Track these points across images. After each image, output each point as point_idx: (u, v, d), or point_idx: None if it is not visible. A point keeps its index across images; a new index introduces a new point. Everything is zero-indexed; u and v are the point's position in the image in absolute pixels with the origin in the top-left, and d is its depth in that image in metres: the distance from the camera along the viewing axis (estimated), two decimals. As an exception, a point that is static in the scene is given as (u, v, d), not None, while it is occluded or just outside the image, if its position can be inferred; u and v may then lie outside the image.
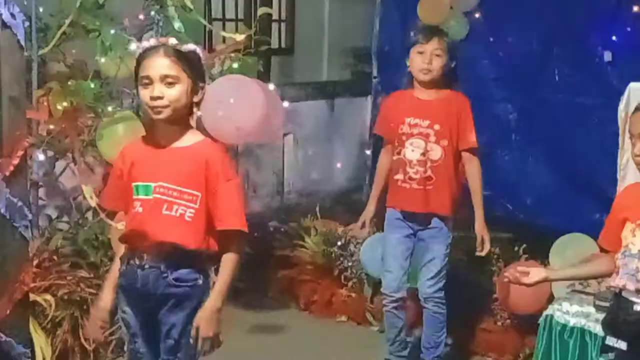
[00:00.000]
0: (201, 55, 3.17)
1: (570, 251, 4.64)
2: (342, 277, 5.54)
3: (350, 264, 5.52)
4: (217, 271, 3.11)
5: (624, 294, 3.10)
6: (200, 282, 3.15)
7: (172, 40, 3.12)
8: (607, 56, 5.62)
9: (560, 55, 5.83)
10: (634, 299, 3.07)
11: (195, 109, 3.14)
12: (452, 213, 4.49)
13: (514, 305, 4.82)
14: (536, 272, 3.36)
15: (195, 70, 3.10)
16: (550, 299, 4.53)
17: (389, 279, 4.55)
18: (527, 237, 5.39)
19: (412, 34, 4.54)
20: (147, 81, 3.04)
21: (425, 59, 4.35)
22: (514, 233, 5.52)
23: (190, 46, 3.13)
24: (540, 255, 5.04)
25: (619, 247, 3.15)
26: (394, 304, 4.55)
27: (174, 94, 3.03)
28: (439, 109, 4.39)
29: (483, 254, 4.56)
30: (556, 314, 4.15)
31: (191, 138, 3.14)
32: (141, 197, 3.12)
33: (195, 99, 3.11)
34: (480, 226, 4.51)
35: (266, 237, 6.03)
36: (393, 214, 4.55)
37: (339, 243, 5.63)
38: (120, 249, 3.28)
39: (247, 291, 5.49)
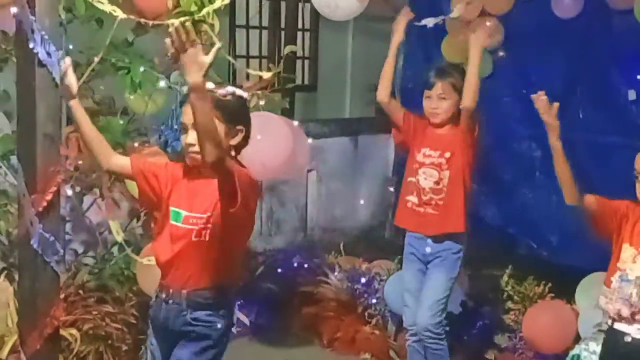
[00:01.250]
0: (243, 95, 3.18)
1: (597, 290, 4.61)
2: (366, 314, 5.52)
3: (374, 300, 5.50)
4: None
5: (615, 325, 3.13)
6: (219, 326, 3.18)
7: (209, 85, 3.10)
8: (632, 95, 5.61)
9: (584, 93, 5.82)
10: (624, 329, 3.09)
11: (234, 152, 3.13)
12: (465, 229, 4.51)
13: (540, 344, 4.79)
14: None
15: (230, 114, 3.10)
16: (577, 338, 4.51)
17: (408, 314, 4.59)
18: (552, 275, 5.37)
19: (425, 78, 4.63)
20: (184, 127, 3.12)
21: (432, 103, 4.48)
22: (539, 272, 5.50)
23: (229, 89, 3.15)
24: (566, 294, 5.02)
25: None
26: (415, 338, 4.55)
27: None
28: (450, 138, 4.50)
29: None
30: (583, 353, 4.13)
31: None
32: (173, 222, 3.18)
33: (232, 142, 3.13)
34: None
35: (290, 274, 6.03)
36: (408, 248, 4.62)
37: (362, 280, 5.63)
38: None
39: (270, 328, 5.49)
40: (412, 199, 4.56)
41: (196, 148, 3.04)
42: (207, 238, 3.12)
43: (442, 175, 4.48)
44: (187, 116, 3.08)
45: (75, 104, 3.04)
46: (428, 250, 4.50)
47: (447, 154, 4.48)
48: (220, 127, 3.06)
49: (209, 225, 3.12)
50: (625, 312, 3.13)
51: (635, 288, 3.12)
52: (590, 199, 3.40)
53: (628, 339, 3.15)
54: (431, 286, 4.48)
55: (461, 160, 4.47)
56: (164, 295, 3.21)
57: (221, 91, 3.12)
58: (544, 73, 5.98)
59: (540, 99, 3.43)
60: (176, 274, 3.17)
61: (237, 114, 3.14)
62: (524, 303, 5.18)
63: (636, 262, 3.16)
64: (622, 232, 3.29)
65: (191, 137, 3.07)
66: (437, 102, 4.48)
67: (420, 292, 4.53)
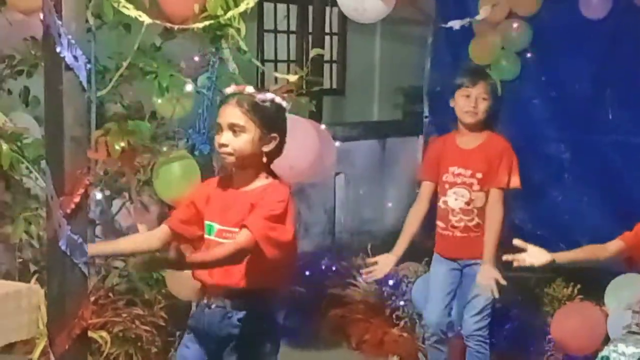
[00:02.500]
0: (283, 104, 3.20)
1: (626, 292, 4.60)
2: (394, 317, 5.52)
3: (402, 303, 5.51)
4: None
5: None
6: (265, 326, 3.18)
7: (249, 89, 3.15)
8: (660, 96, 5.60)
9: (613, 94, 5.80)
10: None
11: (266, 159, 3.14)
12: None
13: (569, 346, 4.77)
14: (540, 255, 3.38)
15: (266, 120, 3.12)
16: (606, 340, 4.48)
17: (430, 310, 4.59)
18: (582, 277, 5.33)
19: (458, 76, 4.59)
20: (219, 128, 3.13)
21: (471, 102, 4.42)
22: (568, 274, 5.47)
23: (268, 95, 3.17)
24: (595, 296, 4.99)
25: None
26: (435, 337, 4.55)
27: (238, 142, 3.09)
28: (481, 157, 4.45)
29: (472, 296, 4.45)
30: (612, 355, 4.09)
31: (259, 182, 3.16)
32: (207, 236, 3.20)
33: (266, 149, 3.13)
34: (485, 270, 4.34)
35: (318, 276, 6.04)
36: (437, 255, 4.63)
37: (390, 282, 5.63)
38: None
39: (299, 330, 5.50)
40: (440, 223, 4.53)
41: (229, 149, 3.09)
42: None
43: (473, 196, 4.42)
44: (223, 117, 3.12)
45: (94, 249, 3.26)
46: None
47: (479, 175, 4.43)
48: (255, 132, 3.09)
49: None
50: None
51: None
52: (617, 245, 3.38)
53: None
54: (476, 294, 4.45)
55: (494, 180, 4.41)
56: (205, 301, 3.21)
57: (260, 96, 3.14)
58: (573, 74, 5.98)
59: None
60: (214, 282, 3.16)
61: (273, 121, 3.15)
62: (553, 305, 5.16)
63: None
64: None
65: (225, 137, 3.10)
66: (477, 101, 4.42)
67: (447, 292, 4.51)
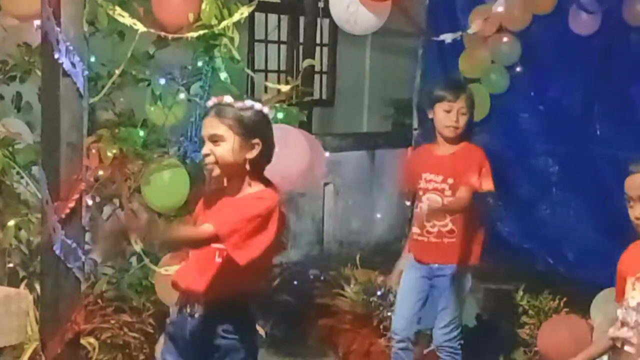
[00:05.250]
0: (264, 110, 3.21)
1: (612, 305, 4.62)
2: (382, 327, 5.53)
3: (389, 313, 5.49)
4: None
5: (626, 347, 3.15)
6: (248, 337, 3.20)
7: (227, 99, 3.19)
8: (649, 111, 5.64)
9: (601, 109, 5.84)
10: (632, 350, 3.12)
11: (249, 167, 3.14)
12: (473, 263, 4.53)
13: (554, 358, 4.80)
14: None
15: (246, 127, 3.13)
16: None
17: (398, 316, 4.62)
18: (568, 291, 5.37)
19: (437, 89, 4.62)
20: (204, 140, 3.17)
21: (452, 117, 4.45)
22: (555, 287, 5.51)
23: (248, 103, 3.18)
24: (581, 309, 5.02)
25: None
26: (400, 344, 4.57)
27: (219, 151, 3.12)
28: (452, 163, 4.47)
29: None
30: (598, 367, 4.13)
31: (249, 190, 3.18)
32: None
33: (249, 156, 3.14)
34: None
35: (306, 286, 6.06)
36: (411, 258, 4.65)
37: (378, 292, 5.64)
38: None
39: (286, 340, 5.51)
40: (415, 229, 4.56)
41: (212, 158, 3.12)
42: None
43: (445, 202, 4.44)
44: (204, 130, 3.17)
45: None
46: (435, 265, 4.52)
47: (450, 180, 4.45)
48: (235, 140, 3.10)
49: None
50: (635, 340, 3.17)
51: (638, 314, 3.15)
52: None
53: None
54: (445, 307, 4.49)
55: (465, 180, 4.42)
56: (189, 309, 3.19)
57: (239, 104, 3.17)
58: (561, 89, 6.01)
59: None
60: (199, 290, 3.16)
61: (253, 128, 3.15)
62: (539, 317, 5.19)
63: (635, 289, 3.19)
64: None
65: (206, 148, 3.14)
66: (458, 116, 4.45)
67: (416, 301, 4.55)
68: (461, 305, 4.54)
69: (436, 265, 4.50)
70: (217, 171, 3.15)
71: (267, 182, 3.23)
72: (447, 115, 4.46)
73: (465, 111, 4.47)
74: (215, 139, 3.12)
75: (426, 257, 4.53)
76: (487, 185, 4.46)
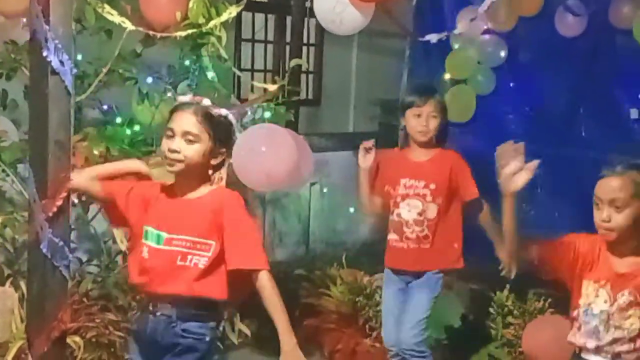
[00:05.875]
0: (233, 121, 3.24)
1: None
2: (367, 327, 5.54)
3: (375, 313, 5.52)
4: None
5: (582, 354, 3.18)
6: (208, 339, 3.18)
7: (206, 101, 3.19)
8: (634, 114, 5.67)
9: (586, 111, 5.88)
10: (592, 359, 3.14)
11: (211, 171, 3.17)
12: (450, 267, 4.55)
13: (539, 358, 4.81)
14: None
15: (219, 134, 3.16)
16: (576, 353, 4.53)
17: (386, 332, 4.64)
18: (552, 291, 5.39)
19: (406, 96, 4.64)
20: (170, 133, 3.12)
21: (422, 121, 4.46)
22: (539, 287, 5.53)
23: (223, 111, 3.21)
24: (566, 309, 5.03)
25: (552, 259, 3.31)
26: (396, 358, 4.59)
27: (190, 151, 3.10)
28: (433, 169, 4.49)
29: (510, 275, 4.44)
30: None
31: (205, 189, 3.19)
32: (150, 243, 3.15)
33: (213, 162, 3.17)
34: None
35: (291, 285, 6.06)
36: (388, 272, 4.65)
37: (364, 292, 5.65)
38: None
39: (272, 339, 5.49)
40: (393, 236, 4.53)
41: (179, 156, 3.09)
42: (192, 264, 3.09)
43: (425, 207, 4.45)
44: (177, 123, 3.11)
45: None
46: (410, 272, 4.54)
47: (432, 185, 4.46)
48: (208, 144, 3.12)
49: (197, 252, 3.10)
50: (591, 344, 3.20)
51: (600, 321, 3.18)
52: (535, 251, 3.41)
53: None
54: (413, 306, 4.50)
55: (447, 192, 4.46)
56: (150, 308, 3.17)
57: (216, 110, 3.18)
58: (547, 91, 6.04)
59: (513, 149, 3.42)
60: (159, 291, 3.14)
61: (224, 136, 3.19)
62: (524, 318, 5.21)
63: (599, 296, 3.22)
64: (579, 269, 3.31)
65: (177, 144, 3.09)
66: (427, 120, 4.45)
67: (400, 312, 4.55)
68: (431, 308, 4.51)
69: (412, 271, 4.51)
70: (179, 168, 3.12)
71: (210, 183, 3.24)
72: (417, 120, 4.47)
73: (435, 114, 4.47)
74: (190, 138, 3.10)
75: (404, 264, 4.52)
76: (473, 193, 4.54)
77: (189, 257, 3.10)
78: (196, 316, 3.15)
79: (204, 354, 3.17)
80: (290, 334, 3.06)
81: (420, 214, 4.45)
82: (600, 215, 3.19)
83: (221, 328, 3.28)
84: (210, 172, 3.18)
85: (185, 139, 3.10)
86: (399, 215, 4.50)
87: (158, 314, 3.15)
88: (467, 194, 4.51)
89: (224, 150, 3.19)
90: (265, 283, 3.11)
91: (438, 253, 4.48)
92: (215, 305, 3.21)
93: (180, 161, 3.10)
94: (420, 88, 4.92)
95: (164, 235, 3.13)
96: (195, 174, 3.17)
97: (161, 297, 3.14)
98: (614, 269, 3.22)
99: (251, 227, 3.14)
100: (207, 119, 3.12)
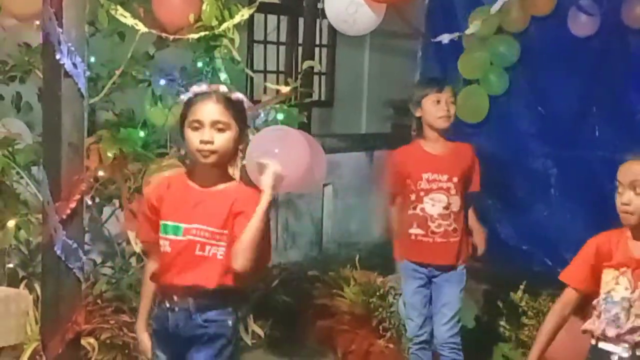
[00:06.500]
0: (246, 104, 3.24)
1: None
2: (380, 328, 5.53)
3: (388, 314, 5.52)
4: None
5: (600, 345, 3.16)
6: (230, 323, 3.19)
7: (223, 88, 3.19)
8: (647, 113, 5.65)
9: (600, 111, 5.85)
10: (611, 349, 3.13)
11: (239, 155, 3.20)
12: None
13: (553, 357, 4.80)
14: None
15: (242, 118, 3.18)
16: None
17: (412, 326, 4.65)
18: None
19: (419, 89, 4.63)
20: (197, 125, 3.09)
21: (443, 106, 4.45)
22: (553, 288, 5.50)
23: (239, 95, 3.20)
24: (580, 310, 5.02)
25: (584, 285, 3.28)
26: (418, 346, 4.61)
27: (223, 140, 3.10)
28: (454, 162, 4.51)
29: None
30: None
31: (226, 181, 3.20)
32: (170, 236, 3.15)
33: (241, 146, 3.19)
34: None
35: (305, 287, 6.07)
36: (408, 265, 4.62)
37: (377, 293, 5.65)
38: (148, 289, 3.30)
39: (285, 340, 5.52)
40: (418, 230, 4.52)
41: (213, 147, 3.08)
42: (210, 254, 3.10)
43: (450, 200, 4.46)
44: (204, 114, 3.09)
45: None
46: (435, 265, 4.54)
47: (455, 179, 4.48)
48: (235, 130, 3.12)
49: (215, 242, 3.11)
50: (612, 332, 3.19)
51: (621, 309, 3.17)
52: (572, 295, 3.41)
53: (614, 358, 3.20)
54: (446, 302, 4.51)
55: (465, 184, 4.53)
56: (168, 304, 3.18)
57: (234, 95, 3.18)
58: (560, 91, 6.01)
59: None
60: (178, 283, 3.15)
61: (246, 119, 3.22)
62: (538, 318, 5.19)
63: (619, 284, 3.21)
64: (599, 265, 3.31)
65: (209, 134, 3.07)
66: (448, 105, 4.45)
67: (423, 306, 4.56)
68: (461, 299, 4.55)
69: (436, 264, 4.51)
70: (214, 158, 3.11)
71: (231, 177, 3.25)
72: (437, 106, 4.46)
73: (453, 100, 4.49)
74: (220, 127, 3.10)
75: (430, 258, 4.52)
76: (476, 186, 4.66)
77: (207, 247, 3.11)
78: (214, 305, 3.15)
79: (230, 337, 3.19)
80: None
81: (446, 208, 4.46)
82: (621, 198, 3.18)
83: (240, 313, 3.28)
84: (240, 155, 3.20)
85: (215, 128, 3.09)
86: (422, 210, 4.49)
87: (176, 309, 3.15)
88: (473, 186, 4.60)
89: (247, 134, 3.22)
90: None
91: (465, 245, 4.54)
92: (233, 293, 3.20)
93: (214, 152, 3.09)
94: (433, 79, 4.94)
95: (182, 225, 3.13)
96: (223, 163, 3.17)
97: (180, 290, 3.14)
98: (634, 255, 3.21)
99: (250, 213, 3.09)
100: (231, 105, 3.12)
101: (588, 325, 3.29)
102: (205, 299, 3.14)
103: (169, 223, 3.16)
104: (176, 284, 3.15)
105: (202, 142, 3.09)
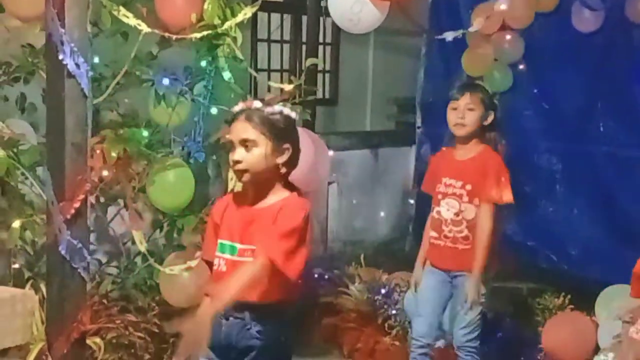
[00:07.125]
0: (290, 114, 3.16)
1: (617, 303, 4.63)
2: (386, 325, 5.53)
3: (394, 312, 5.52)
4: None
5: None
6: (282, 337, 3.17)
7: (257, 103, 3.13)
8: (652, 108, 5.65)
9: (604, 107, 5.85)
10: None
11: (285, 169, 3.11)
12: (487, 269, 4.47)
13: (559, 356, 4.80)
14: None
15: (277, 131, 3.09)
16: (596, 350, 4.52)
17: (419, 322, 4.57)
18: (572, 288, 5.37)
19: (451, 92, 4.61)
20: (231, 145, 3.12)
21: (458, 113, 4.39)
22: (559, 284, 5.51)
23: (277, 108, 3.14)
24: (586, 306, 5.02)
25: None
26: (421, 350, 4.53)
27: (251, 158, 3.06)
28: (471, 169, 4.41)
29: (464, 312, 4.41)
30: (602, 364, 4.14)
31: (275, 197, 3.14)
32: (226, 255, 3.15)
33: (280, 160, 3.10)
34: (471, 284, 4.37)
35: (310, 285, 6.06)
36: (428, 263, 4.61)
37: (382, 291, 5.65)
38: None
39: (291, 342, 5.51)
40: (433, 233, 4.50)
41: (242, 165, 3.07)
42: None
43: (462, 207, 4.40)
44: (234, 134, 3.10)
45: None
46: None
47: (469, 186, 4.39)
48: (267, 145, 3.07)
49: None
50: None
51: None
52: None
53: None
54: (464, 306, 4.43)
55: (485, 193, 4.36)
56: (222, 313, 3.11)
57: (268, 109, 3.13)
58: (564, 86, 6.02)
59: None
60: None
61: (283, 132, 3.12)
62: (544, 315, 5.19)
63: None
64: None
65: (238, 154, 3.08)
66: (464, 112, 4.38)
67: (438, 304, 4.53)
68: (480, 305, 4.49)
69: (444, 269, 4.49)
70: (247, 177, 3.10)
71: (292, 187, 3.18)
72: (453, 113, 4.42)
73: (472, 107, 4.38)
74: (247, 144, 3.07)
75: (442, 262, 4.50)
76: (507, 196, 4.40)
77: None
78: (269, 318, 3.12)
79: (281, 354, 3.18)
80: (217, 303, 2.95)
81: (457, 214, 4.40)
82: None
83: (292, 328, 3.27)
84: (283, 170, 3.12)
85: (244, 147, 3.08)
86: (438, 213, 4.47)
87: (231, 318, 3.13)
88: (502, 197, 4.39)
89: (287, 145, 3.12)
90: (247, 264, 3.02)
91: (474, 255, 4.37)
92: (287, 306, 3.18)
93: (245, 171, 3.08)
94: (462, 82, 4.90)
95: (237, 246, 3.13)
96: (264, 180, 3.13)
97: (234, 304, 3.09)
98: None
99: (288, 224, 3.01)
100: (261, 120, 3.07)
101: (633, 333, 3.26)
102: (261, 311, 3.11)
103: (226, 242, 3.16)
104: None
105: (233, 162, 3.11)
